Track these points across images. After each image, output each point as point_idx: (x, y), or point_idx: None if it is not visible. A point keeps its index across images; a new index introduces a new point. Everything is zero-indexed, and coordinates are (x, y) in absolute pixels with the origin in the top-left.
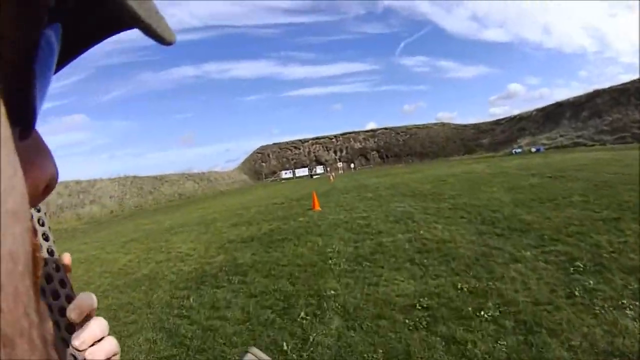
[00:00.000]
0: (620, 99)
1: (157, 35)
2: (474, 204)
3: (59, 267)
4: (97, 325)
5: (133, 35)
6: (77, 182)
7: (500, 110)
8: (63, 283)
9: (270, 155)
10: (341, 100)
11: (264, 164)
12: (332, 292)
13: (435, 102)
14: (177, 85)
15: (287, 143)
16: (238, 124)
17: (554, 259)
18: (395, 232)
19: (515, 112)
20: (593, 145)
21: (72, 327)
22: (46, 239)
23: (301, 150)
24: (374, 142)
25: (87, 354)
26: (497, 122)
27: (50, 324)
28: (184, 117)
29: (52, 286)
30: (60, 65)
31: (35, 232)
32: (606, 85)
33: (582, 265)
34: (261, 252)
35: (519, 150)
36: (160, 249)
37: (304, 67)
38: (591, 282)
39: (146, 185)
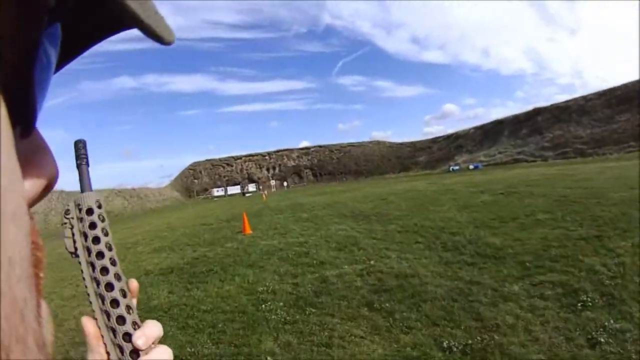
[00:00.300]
0: (561, 116)
1: (157, 35)
2: (427, 225)
3: (126, 293)
4: (164, 352)
5: None
6: None
7: (435, 130)
8: (129, 309)
9: (203, 172)
10: (278, 117)
11: (195, 180)
12: (269, 358)
13: (370, 121)
14: (116, 96)
15: (219, 160)
16: (175, 139)
17: (551, 293)
18: (341, 263)
19: (450, 131)
20: (534, 162)
21: (137, 354)
22: (109, 248)
23: (234, 167)
24: (308, 160)
25: None
26: (434, 140)
27: (50, 327)
28: (122, 129)
29: (118, 311)
30: (61, 65)
31: (37, 231)
32: (546, 104)
33: (588, 299)
34: (180, 290)
35: (456, 167)
36: (70, 281)
37: (243, 83)
38: (611, 320)
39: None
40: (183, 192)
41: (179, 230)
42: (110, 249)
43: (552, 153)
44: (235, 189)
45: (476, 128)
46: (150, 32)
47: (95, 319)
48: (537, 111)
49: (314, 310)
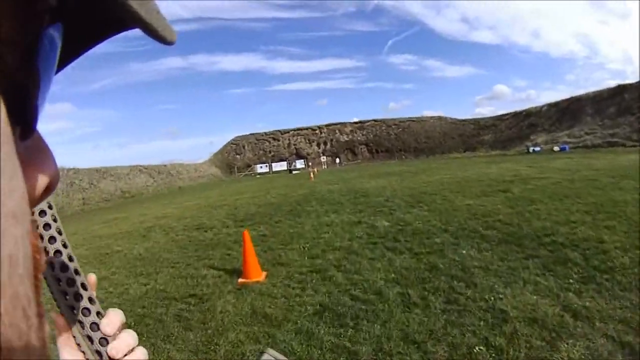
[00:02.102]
0: None
1: (158, 35)
2: None
3: (86, 285)
4: (130, 337)
5: None
6: None
7: (486, 111)
8: (91, 300)
9: (246, 147)
10: (327, 95)
11: (238, 155)
12: None
13: (420, 100)
14: (165, 76)
15: (264, 134)
16: (224, 117)
17: None
18: None
19: (501, 112)
20: (635, 146)
21: (106, 341)
22: (65, 245)
23: (280, 142)
24: (363, 135)
25: None
26: (500, 118)
27: (47, 327)
28: (170, 108)
29: (82, 303)
30: (62, 65)
31: (37, 234)
32: (592, 89)
33: None
34: None
35: (537, 148)
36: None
37: (292, 61)
38: None
39: (82, 179)
40: (224, 168)
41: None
42: (65, 247)
43: None
44: (281, 166)
45: (550, 105)
46: (152, 32)
47: (62, 314)
48: (622, 88)
49: None
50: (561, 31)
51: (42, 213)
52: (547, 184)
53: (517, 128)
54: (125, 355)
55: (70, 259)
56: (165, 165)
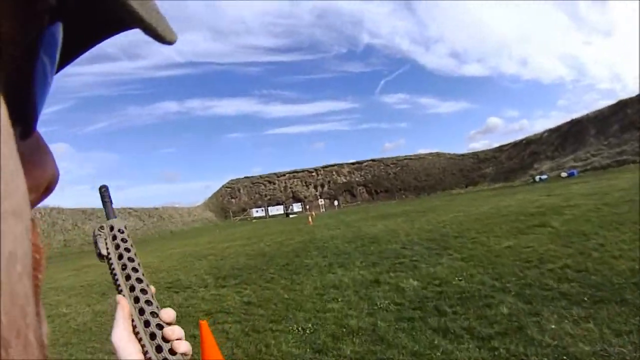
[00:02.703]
0: None
1: (158, 35)
2: None
3: (143, 280)
4: (180, 329)
5: (120, 68)
6: None
7: (480, 145)
8: (156, 306)
9: (241, 190)
10: (323, 139)
11: (233, 199)
12: None
13: (415, 138)
14: (162, 120)
15: (260, 177)
16: (219, 162)
17: None
18: None
19: (495, 145)
20: None
21: (161, 327)
22: (136, 256)
23: (276, 185)
24: (361, 175)
25: (174, 344)
26: (500, 149)
27: (46, 327)
28: (168, 152)
29: (147, 296)
30: (62, 65)
31: (38, 232)
32: (585, 111)
33: None
34: None
35: (544, 177)
36: None
37: (286, 105)
38: None
39: (66, 220)
40: (218, 212)
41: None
42: (136, 256)
43: None
44: (277, 209)
45: (550, 131)
46: (151, 32)
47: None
48: (622, 104)
49: None
50: (548, 56)
51: (121, 231)
52: (584, 212)
53: (519, 158)
54: (176, 340)
55: (139, 265)
56: (157, 209)
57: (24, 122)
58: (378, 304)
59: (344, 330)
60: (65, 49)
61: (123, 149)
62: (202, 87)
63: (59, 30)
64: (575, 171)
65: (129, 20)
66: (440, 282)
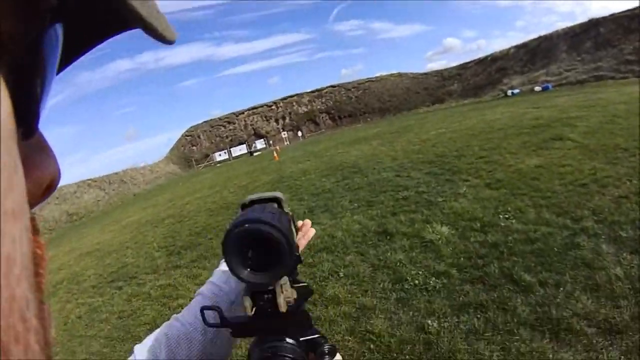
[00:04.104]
0: (631, 26)
1: (159, 35)
2: None
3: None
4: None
5: None
6: None
7: (438, 65)
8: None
9: (201, 136)
10: (279, 72)
11: (194, 147)
12: None
13: (372, 63)
14: (116, 81)
15: (219, 119)
16: (179, 110)
17: None
18: None
19: (453, 64)
20: (625, 78)
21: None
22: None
23: (236, 125)
24: (322, 103)
25: None
26: (464, 67)
27: (52, 330)
28: (126, 112)
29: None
30: (63, 65)
31: (37, 230)
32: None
33: None
34: None
35: (516, 90)
36: None
37: (239, 44)
38: None
39: None
40: (181, 163)
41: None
42: None
43: None
44: (241, 150)
45: (517, 47)
46: (152, 32)
47: None
48: (595, 22)
49: None
50: None
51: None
52: (598, 123)
53: (485, 74)
54: None
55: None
56: (117, 173)
57: (26, 123)
58: (407, 278)
59: (364, 338)
60: (66, 49)
61: (80, 120)
62: (152, 39)
63: (60, 30)
64: (549, 85)
65: (130, 20)
66: (482, 225)
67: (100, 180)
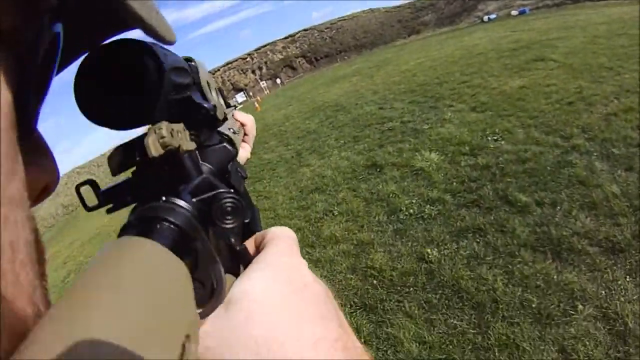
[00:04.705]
0: None
1: (158, 35)
2: None
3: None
4: None
5: None
6: None
7: None
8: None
9: None
10: (248, 25)
11: None
12: None
13: (342, 4)
14: (74, 65)
15: None
16: None
17: None
18: None
19: None
20: None
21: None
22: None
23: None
24: (297, 47)
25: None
26: None
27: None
28: None
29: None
30: (62, 66)
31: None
32: None
33: None
34: None
35: (493, 16)
36: None
37: (203, 3)
38: None
39: None
40: None
41: None
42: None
43: None
44: None
45: None
46: (152, 32)
47: None
48: None
49: None
50: None
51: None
52: (580, 44)
53: (459, 2)
54: None
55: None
56: (103, 155)
57: (24, 122)
58: (402, 208)
59: (366, 274)
60: (65, 49)
61: (59, 110)
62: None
63: (60, 30)
64: (526, 9)
65: (129, 21)
66: (471, 149)
67: (88, 165)
